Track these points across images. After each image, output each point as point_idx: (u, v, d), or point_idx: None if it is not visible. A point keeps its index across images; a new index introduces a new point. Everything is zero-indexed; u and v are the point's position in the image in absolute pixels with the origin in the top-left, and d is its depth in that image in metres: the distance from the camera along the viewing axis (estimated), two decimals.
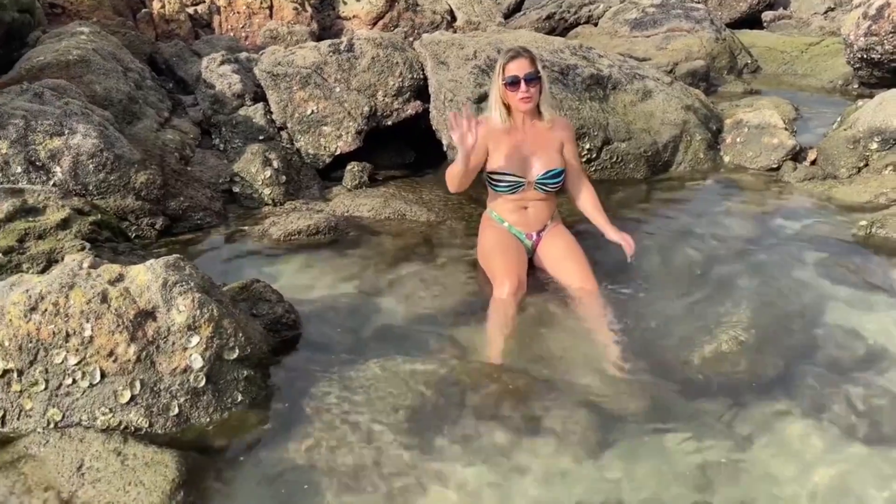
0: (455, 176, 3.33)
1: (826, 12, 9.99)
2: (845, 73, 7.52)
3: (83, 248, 3.21)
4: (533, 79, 3.34)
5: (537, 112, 3.48)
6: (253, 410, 2.58)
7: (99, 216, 3.52)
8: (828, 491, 2.30)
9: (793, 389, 2.75)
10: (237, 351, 2.55)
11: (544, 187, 3.49)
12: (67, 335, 2.40)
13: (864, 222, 3.96)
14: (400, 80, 5.01)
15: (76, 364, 2.40)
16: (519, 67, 3.33)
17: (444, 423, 2.58)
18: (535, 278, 3.53)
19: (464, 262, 3.81)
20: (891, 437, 2.54)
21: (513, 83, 3.34)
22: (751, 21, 10.28)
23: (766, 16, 10.39)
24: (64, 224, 3.33)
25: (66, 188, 3.76)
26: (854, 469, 2.40)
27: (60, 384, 2.40)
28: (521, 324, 3.20)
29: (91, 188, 3.86)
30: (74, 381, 2.40)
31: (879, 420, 2.60)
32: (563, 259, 3.50)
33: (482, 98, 4.65)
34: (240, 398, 2.56)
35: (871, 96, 6.82)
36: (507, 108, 3.45)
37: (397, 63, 5.02)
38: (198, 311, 2.48)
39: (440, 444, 2.49)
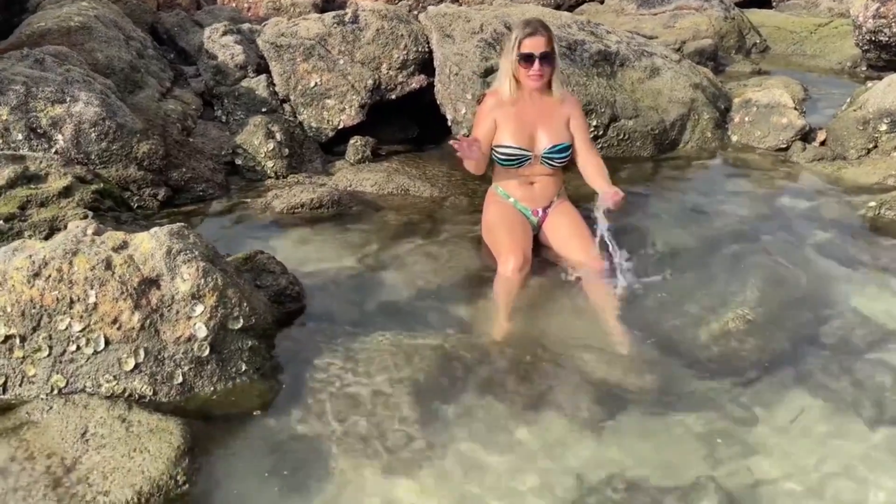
0: (469, 165, 3.37)
1: None
2: (854, 54, 7.44)
3: (85, 217, 3.17)
4: (547, 57, 3.30)
5: (547, 87, 3.44)
6: (257, 380, 2.57)
7: (101, 185, 3.49)
8: (834, 469, 2.30)
9: (800, 369, 2.74)
10: (241, 321, 2.53)
11: (550, 162, 3.45)
12: (71, 301, 2.38)
13: (872, 203, 3.93)
14: (405, 52, 4.95)
15: (80, 331, 2.38)
16: (535, 45, 3.28)
17: (447, 396, 2.57)
18: (541, 255, 3.51)
19: (468, 239, 3.78)
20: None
21: (527, 59, 3.30)
22: (760, 0, 10.17)
23: None
24: (66, 192, 3.30)
25: (68, 156, 3.73)
26: (860, 449, 2.40)
27: (64, 351, 2.38)
28: (525, 301, 3.19)
29: (93, 157, 3.82)
30: (79, 348, 2.38)
31: (885, 401, 2.58)
32: (569, 236, 3.47)
33: (488, 72, 4.60)
34: (244, 368, 2.54)
35: (879, 79, 6.78)
36: (517, 80, 3.41)
37: (402, 35, 4.96)
38: (202, 280, 2.46)
39: (443, 417, 2.49)
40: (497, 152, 3.45)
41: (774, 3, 10.16)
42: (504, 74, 3.43)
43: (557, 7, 9.28)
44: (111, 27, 4.79)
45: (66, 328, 2.38)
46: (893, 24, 6.27)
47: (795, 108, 5.10)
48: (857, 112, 4.87)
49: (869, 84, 5.35)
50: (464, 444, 2.37)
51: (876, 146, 4.74)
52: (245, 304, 2.56)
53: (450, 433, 2.41)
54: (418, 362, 2.71)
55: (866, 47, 6.88)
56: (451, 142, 3.23)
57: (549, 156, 3.43)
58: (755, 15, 8.91)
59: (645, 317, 3.06)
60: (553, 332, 2.98)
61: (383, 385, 2.58)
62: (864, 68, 7.30)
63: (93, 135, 3.82)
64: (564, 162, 3.50)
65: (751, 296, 3.10)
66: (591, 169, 3.45)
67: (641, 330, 2.97)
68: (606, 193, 3.25)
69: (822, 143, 5.00)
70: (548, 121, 3.44)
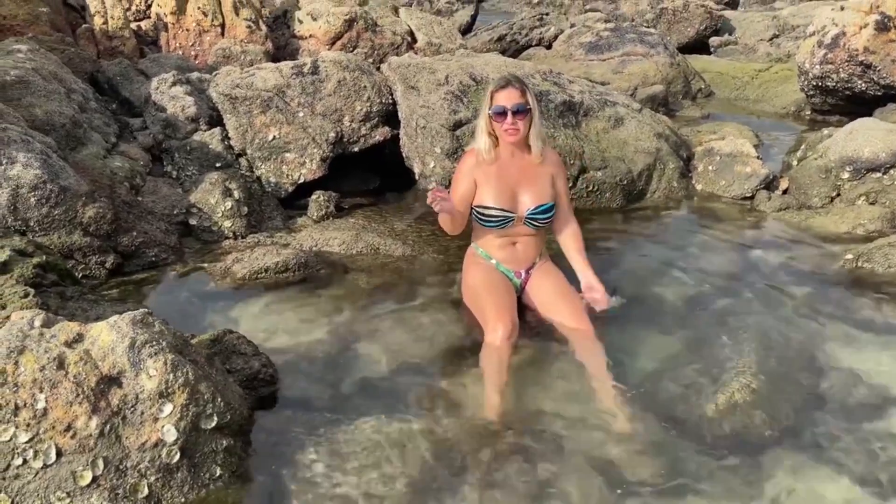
0: (446, 225, 3.21)
1: (771, 39, 10.21)
2: (797, 99, 7.63)
3: (27, 296, 2.84)
4: (521, 111, 3.16)
5: (525, 144, 3.30)
6: (233, 486, 2.28)
7: (44, 257, 3.15)
8: None
9: (812, 442, 2.61)
10: (216, 419, 2.25)
11: (535, 223, 3.30)
12: (16, 408, 2.07)
13: (850, 256, 3.91)
14: (368, 104, 4.77)
15: (27, 441, 2.06)
16: (507, 98, 3.15)
17: (446, 493, 2.34)
18: (524, 318, 3.33)
19: (446, 302, 3.58)
20: None
21: (499, 114, 3.16)
22: (698, 47, 10.43)
23: (713, 41, 10.57)
24: (3, 268, 2.96)
25: (5, 224, 3.39)
26: None
27: (8, 465, 2.06)
28: (516, 372, 2.99)
29: (33, 224, 3.48)
30: (25, 462, 2.06)
31: None
32: (554, 299, 3.31)
33: (457, 125, 4.47)
34: (218, 472, 2.26)
35: (824, 122, 6.95)
36: (495, 138, 3.26)
37: (365, 87, 4.78)
38: (171, 376, 2.18)
39: None
40: (479, 213, 3.29)
41: (712, 49, 10.45)
42: (481, 131, 3.28)
43: (502, 52, 9.32)
44: (51, 80, 4.45)
45: (11, 439, 2.06)
46: (841, 69, 6.44)
47: (758, 157, 5.12)
48: (818, 160, 4.91)
49: (825, 131, 5.43)
50: None
51: (839, 194, 4.78)
52: (219, 399, 2.28)
53: None
54: (411, 453, 2.47)
55: (811, 92, 7.05)
56: (428, 188, 3.06)
57: (534, 216, 3.28)
58: (697, 61, 9.11)
59: (644, 387, 2.90)
60: (550, 408, 2.79)
61: (376, 484, 2.33)
62: (808, 113, 7.48)
63: (32, 200, 3.48)
64: (549, 222, 3.36)
65: (749, 362, 2.97)
66: (573, 245, 3.44)
67: (642, 403, 2.80)
68: (591, 290, 3.31)
69: (785, 192, 5.02)
70: (531, 180, 3.30)
